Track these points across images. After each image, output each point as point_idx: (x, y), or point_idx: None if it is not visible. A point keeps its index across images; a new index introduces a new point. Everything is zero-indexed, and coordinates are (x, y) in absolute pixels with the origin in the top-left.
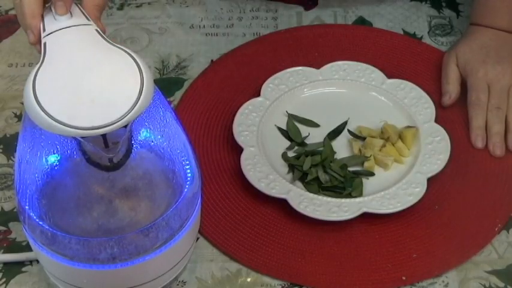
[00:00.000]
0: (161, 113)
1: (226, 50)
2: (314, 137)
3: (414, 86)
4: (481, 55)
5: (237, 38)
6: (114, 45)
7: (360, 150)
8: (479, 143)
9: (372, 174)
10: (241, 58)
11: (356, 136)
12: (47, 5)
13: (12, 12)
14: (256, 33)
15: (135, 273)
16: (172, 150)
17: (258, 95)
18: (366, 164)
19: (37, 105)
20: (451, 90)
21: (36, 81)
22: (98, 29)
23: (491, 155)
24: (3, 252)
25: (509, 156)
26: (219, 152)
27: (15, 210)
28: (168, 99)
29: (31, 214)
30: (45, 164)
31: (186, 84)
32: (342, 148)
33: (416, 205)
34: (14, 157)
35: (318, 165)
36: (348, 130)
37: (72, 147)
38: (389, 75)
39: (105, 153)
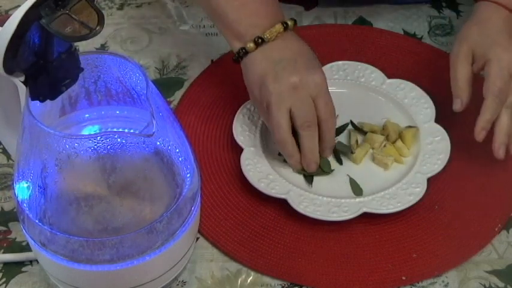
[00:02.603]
0: (161, 113)
1: (226, 50)
2: None
3: (414, 86)
4: (504, 40)
5: None
6: None
7: (356, 141)
8: (481, 136)
9: (340, 161)
10: None
11: (358, 129)
12: None
13: (12, 12)
14: None
15: (135, 273)
16: (172, 150)
17: None
18: (354, 156)
19: None
20: (462, 95)
21: None
22: None
23: (490, 154)
24: (3, 252)
25: (509, 157)
26: (219, 152)
27: (15, 210)
28: (168, 99)
29: (30, 214)
30: (44, 164)
31: (186, 84)
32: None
33: (416, 205)
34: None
35: None
36: (351, 121)
37: (71, 147)
38: (390, 75)
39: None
